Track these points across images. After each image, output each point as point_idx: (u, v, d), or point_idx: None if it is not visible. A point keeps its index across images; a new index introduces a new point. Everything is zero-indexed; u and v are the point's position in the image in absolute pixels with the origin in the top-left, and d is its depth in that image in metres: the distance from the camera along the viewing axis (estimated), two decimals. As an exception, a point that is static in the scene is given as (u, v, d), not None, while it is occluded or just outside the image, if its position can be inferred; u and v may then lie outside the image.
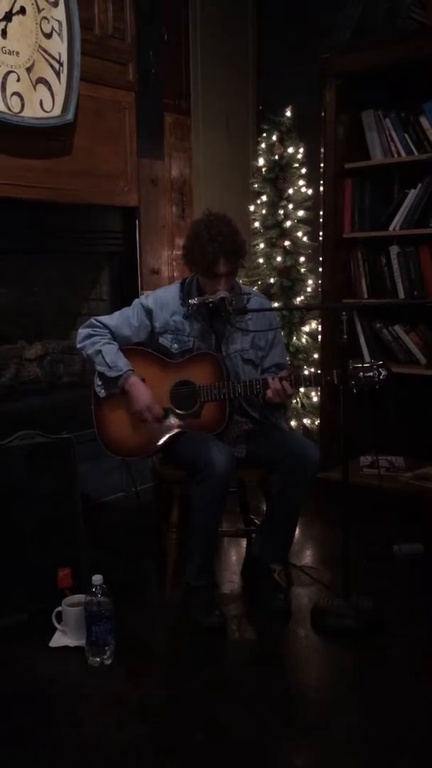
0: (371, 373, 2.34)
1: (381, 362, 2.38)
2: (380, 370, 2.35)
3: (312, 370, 3.82)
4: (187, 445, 2.44)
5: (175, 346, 2.53)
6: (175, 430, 2.50)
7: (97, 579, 2.16)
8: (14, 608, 2.40)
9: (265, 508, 2.66)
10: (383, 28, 3.27)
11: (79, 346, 2.56)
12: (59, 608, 2.29)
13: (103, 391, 2.51)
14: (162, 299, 2.57)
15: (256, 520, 2.80)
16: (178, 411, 2.50)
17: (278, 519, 2.51)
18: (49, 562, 2.44)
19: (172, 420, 2.51)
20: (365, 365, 2.37)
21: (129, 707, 1.99)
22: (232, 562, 2.92)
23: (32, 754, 1.82)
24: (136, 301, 2.62)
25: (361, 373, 2.34)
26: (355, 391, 2.34)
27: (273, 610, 2.47)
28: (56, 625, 2.29)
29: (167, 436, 2.50)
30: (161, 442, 2.51)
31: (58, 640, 2.27)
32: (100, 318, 2.58)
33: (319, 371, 3.55)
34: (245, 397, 2.49)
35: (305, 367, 3.88)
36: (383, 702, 2.01)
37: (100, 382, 2.51)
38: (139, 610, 2.50)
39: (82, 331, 2.56)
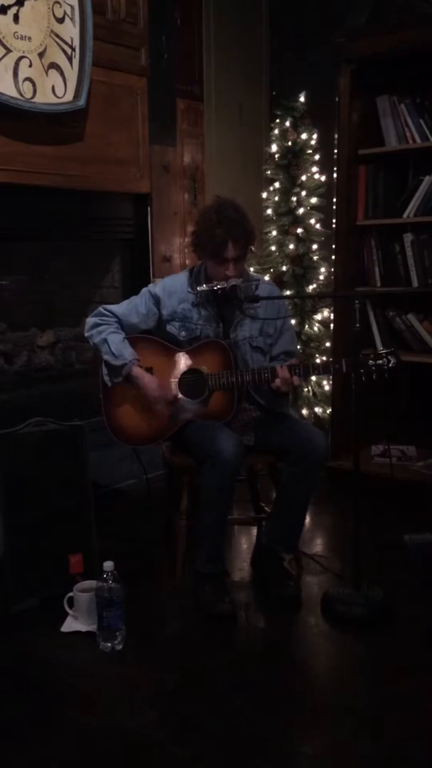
0: (381, 361, 2.33)
1: (391, 350, 2.37)
2: (389, 358, 2.34)
3: (324, 358, 3.81)
4: (196, 433, 2.44)
5: (183, 333, 2.53)
6: (184, 419, 2.50)
7: (108, 565, 2.17)
8: (26, 593, 2.42)
9: (274, 496, 2.66)
10: (399, 12, 3.22)
11: (86, 335, 2.56)
12: (71, 594, 2.30)
13: (109, 379, 2.52)
14: (170, 287, 2.56)
15: (266, 508, 2.80)
16: (186, 399, 2.50)
17: (288, 507, 2.52)
18: (61, 548, 2.45)
19: (181, 408, 2.50)
20: (375, 353, 2.36)
21: (140, 693, 2.01)
22: (242, 549, 2.93)
23: (43, 738, 1.83)
24: (144, 289, 2.62)
25: (371, 361, 2.34)
26: (364, 379, 2.33)
27: (283, 597, 2.48)
28: (68, 610, 2.31)
29: (176, 425, 2.50)
30: (170, 431, 2.51)
31: (70, 625, 2.29)
32: (109, 306, 2.58)
33: (330, 359, 3.54)
34: (253, 386, 2.48)
35: (317, 355, 3.86)
36: (393, 690, 2.01)
37: (106, 371, 2.52)
38: (149, 596, 2.52)
39: (90, 320, 2.56)
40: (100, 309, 2.58)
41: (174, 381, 2.51)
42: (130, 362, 2.47)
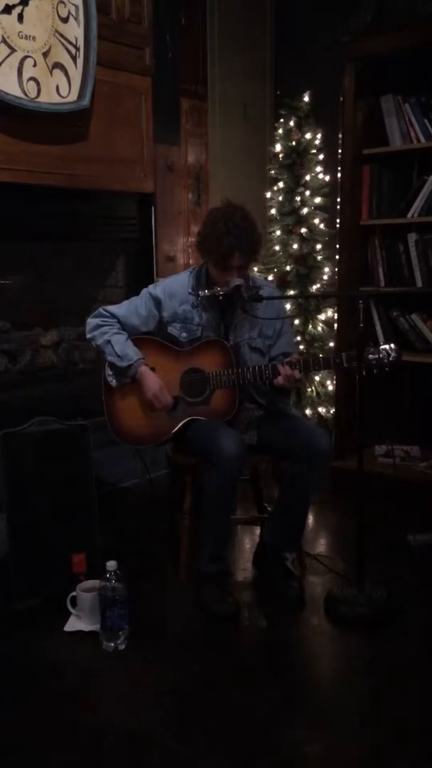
0: (381, 355, 2.33)
1: (391, 344, 2.36)
2: (389, 351, 2.33)
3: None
4: (198, 432, 2.44)
5: (184, 335, 2.53)
6: (186, 418, 2.50)
7: (111, 565, 2.18)
8: (30, 592, 2.42)
9: (277, 495, 2.65)
10: (404, 11, 3.21)
11: (88, 336, 2.56)
12: (74, 593, 2.31)
13: (114, 380, 2.52)
14: (171, 289, 2.55)
15: (269, 508, 2.80)
16: (188, 398, 2.50)
17: (289, 506, 2.51)
18: (64, 547, 2.46)
19: (183, 408, 2.51)
20: (375, 347, 2.35)
21: (142, 692, 2.01)
22: (245, 549, 2.93)
23: (45, 737, 1.84)
24: (144, 290, 2.60)
25: (371, 355, 2.33)
26: (365, 372, 2.32)
27: (286, 598, 2.48)
28: (71, 609, 2.31)
29: (178, 424, 2.50)
30: (172, 430, 2.51)
31: (73, 624, 2.29)
32: (109, 308, 2.58)
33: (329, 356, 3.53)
34: (254, 384, 2.48)
35: (321, 355, 3.85)
36: (395, 690, 2.01)
37: (111, 372, 2.52)
38: (152, 596, 2.52)
39: (91, 321, 2.56)
40: (101, 310, 2.57)
41: (176, 380, 2.51)
42: (136, 362, 2.47)
